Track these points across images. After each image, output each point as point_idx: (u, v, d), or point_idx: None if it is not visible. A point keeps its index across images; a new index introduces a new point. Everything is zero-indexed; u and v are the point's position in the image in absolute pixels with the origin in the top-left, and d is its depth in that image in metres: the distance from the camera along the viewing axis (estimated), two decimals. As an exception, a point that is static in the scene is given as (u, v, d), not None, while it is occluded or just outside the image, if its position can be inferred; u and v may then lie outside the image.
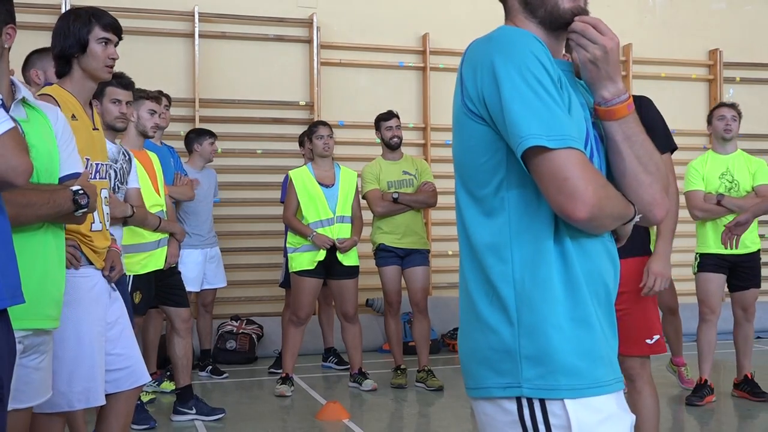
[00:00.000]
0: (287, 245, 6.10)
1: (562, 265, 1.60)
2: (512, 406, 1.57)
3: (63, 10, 7.35)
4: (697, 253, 5.56)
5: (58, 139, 2.72)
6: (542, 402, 1.54)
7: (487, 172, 1.63)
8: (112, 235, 3.37)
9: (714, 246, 5.42)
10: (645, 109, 3.46)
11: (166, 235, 5.07)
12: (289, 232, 6.10)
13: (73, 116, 3.13)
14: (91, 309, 3.12)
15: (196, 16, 7.76)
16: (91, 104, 3.32)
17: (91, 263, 3.16)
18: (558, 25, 1.72)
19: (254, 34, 8.07)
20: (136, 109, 4.98)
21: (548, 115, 1.53)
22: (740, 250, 5.41)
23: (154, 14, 7.67)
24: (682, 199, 5.14)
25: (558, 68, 1.65)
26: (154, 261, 4.96)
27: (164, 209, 5.13)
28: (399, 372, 6.22)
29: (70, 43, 3.17)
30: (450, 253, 8.38)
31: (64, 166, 2.73)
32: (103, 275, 3.22)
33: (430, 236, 7.97)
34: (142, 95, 5.07)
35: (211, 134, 6.66)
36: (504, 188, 1.61)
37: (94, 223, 3.15)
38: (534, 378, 1.54)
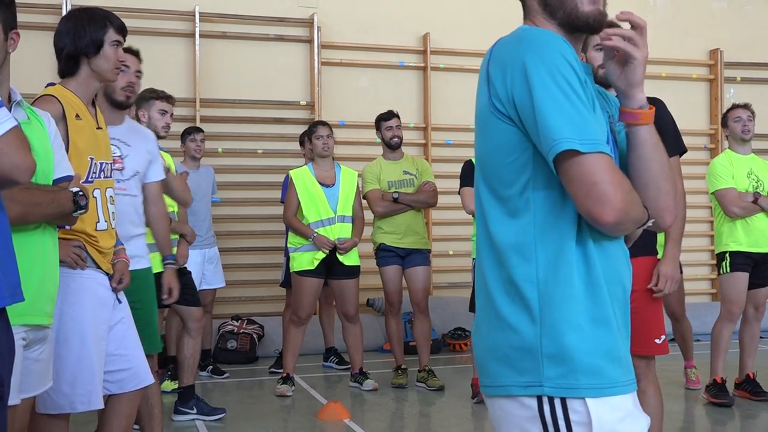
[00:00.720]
0: (288, 245, 6.10)
1: (584, 266, 1.62)
2: (532, 402, 1.58)
3: (63, 10, 7.36)
4: (725, 252, 5.49)
5: (51, 142, 2.75)
6: (563, 400, 1.56)
7: (513, 172, 1.64)
8: (120, 243, 3.37)
9: (747, 244, 5.41)
10: (659, 111, 3.46)
11: (176, 236, 5.07)
12: (290, 232, 6.10)
13: (77, 116, 3.15)
14: (95, 311, 3.12)
15: (197, 15, 7.76)
16: (94, 104, 3.33)
17: (98, 266, 3.17)
18: (576, 27, 1.74)
19: (255, 33, 8.07)
20: (147, 110, 4.98)
21: (579, 119, 1.55)
22: (766, 248, 5.43)
23: (155, 14, 7.68)
24: (690, 199, 5.16)
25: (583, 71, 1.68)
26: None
27: (175, 210, 5.12)
28: (400, 372, 6.23)
29: (85, 43, 3.19)
30: (451, 253, 8.38)
31: (57, 169, 2.77)
32: (111, 287, 3.23)
33: (431, 236, 7.96)
34: (152, 96, 5.06)
35: (192, 131, 6.51)
36: (530, 189, 1.63)
37: (99, 222, 3.16)
38: (555, 377, 1.56)
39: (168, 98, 5.20)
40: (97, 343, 3.09)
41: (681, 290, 5.88)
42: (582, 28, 1.74)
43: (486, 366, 1.67)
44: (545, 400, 1.57)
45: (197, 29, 7.75)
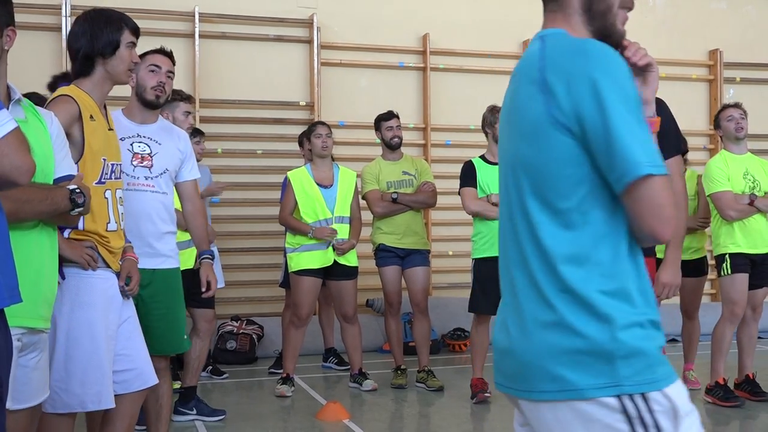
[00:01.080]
0: (286, 245, 6.09)
1: (636, 274, 1.70)
2: (613, 401, 1.64)
3: (63, 11, 7.36)
4: (724, 254, 5.47)
5: (53, 141, 2.75)
6: (643, 395, 1.64)
7: (571, 186, 1.67)
8: (128, 241, 3.38)
9: (745, 246, 5.41)
10: (661, 111, 3.47)
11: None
12: (288, 233, 6.10)
13: (91, 117, 3.18)
14: (105, 311, 3.14)
15: (197, 16, 7.76)
16: (105, 106, 3.34)
17: (108, 265, 3.18)
18: (606, 41, 1.76)
19: (254, 34, 8.07)
20: (171, 112, 4.96)
21: (647, 142, 1.62)
22: (765, 249, 5.44)
23: (155, 14, 7.67)
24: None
25: None
26: (183, 260, 4.89)
27: None
28: (399, 372, 6.22)
29: (102, 44, 3.21)
30: (450, 253, 8.38)
31: (59, 168, 2.76)
32: (119, 285, 3.24)
33: (431, 237, 7.96)
34: (176, 98, 5.05)
35: (195, 134, 6.46)
36: (588, 202, 1.67)
37: (110, 222, 3.19)
38: (632, 375, 1.63)
39: (190, 99, 5.23)
40: (107, 342, 3.11)
41: (698, 289, 5.87)
42: (609, 44, 1.78)
43: (547, 371, 1.68)
44: (625, 398, 1.63)
45: (197, 30, 7.75)
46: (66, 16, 7.36)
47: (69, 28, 7.34)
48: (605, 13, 1.78)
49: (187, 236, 4.90)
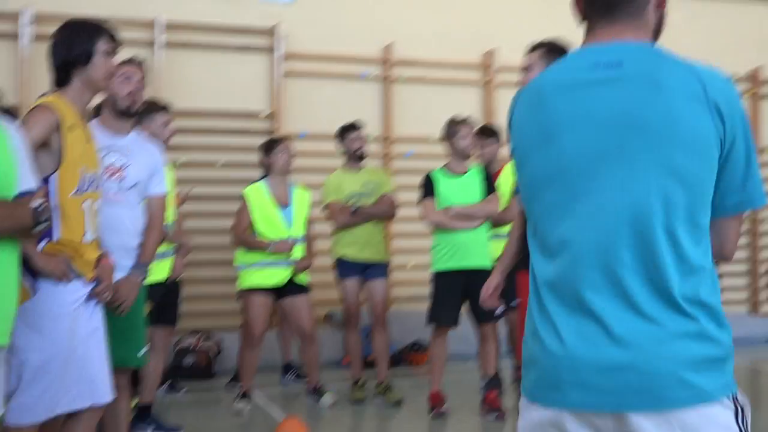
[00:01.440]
0: (237, 263, 5.95)
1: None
2: (727, 401, 1.76)
3: (21, 20, 7.25)
4: None
5: (16, 154, 2.70)
6: (737, 392, 1.79)
7: (710, 202, 1.81)
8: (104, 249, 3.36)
9: None
10: None
11: (170, 247, 5.02)
12: (238, 251, 5.97)
13: (71, 127, 3.18)
14: (77, 318, 3.15)
15: (158, 25, 7.69)
16: (85, 116, 3.33)
17: (81, 275, 3.18)
18: None
19: (216, 43, 8.02)
20: (150, 123, 4.91)
21: None
22: None
23: (115, 23, 7.58)
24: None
25: None
26: (155, 273, 4.64)
27: (170, 221, 5.05)
28: (358, 386, 6.19)
29: (76, 53, 3.22)
30: (409, 266, 8.35)
31: (21, 182, 2.71)
32: (91, 290, 3.24)
33: (391, 249, 7.95)
34: (153, 108, 4.99)
35: None
36: (708, 220, 1.83)
37: (86, 234, 3.19)
38: (732, 375, 1.78)
39: (167, 108, 5.21)
40: (86, 343, 3.16)
41: None
42: None
43: (681, 379, 1.73)
44: (735, 396, 1.77)
45: (158, 39, 7.68)
46: (24, 25, 7.25)
47: (27, 37, 7.26)
48: (657, 37, 1.92)
49: (160, 248, 4.83)
